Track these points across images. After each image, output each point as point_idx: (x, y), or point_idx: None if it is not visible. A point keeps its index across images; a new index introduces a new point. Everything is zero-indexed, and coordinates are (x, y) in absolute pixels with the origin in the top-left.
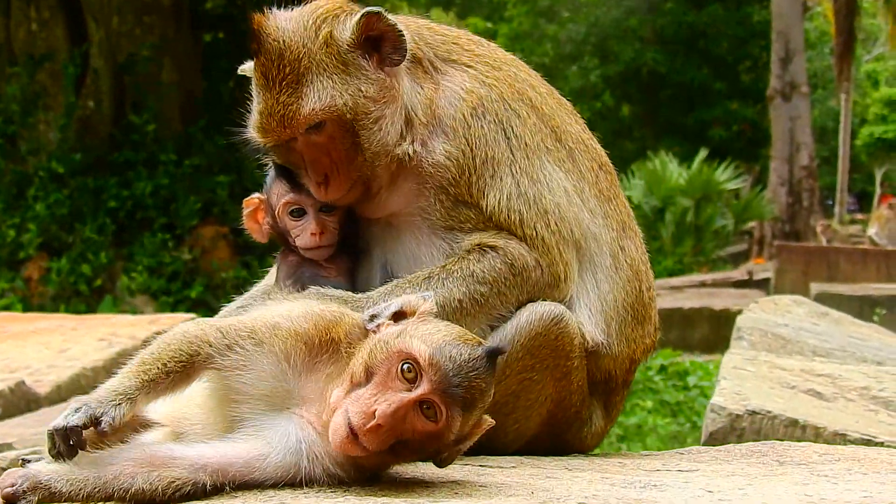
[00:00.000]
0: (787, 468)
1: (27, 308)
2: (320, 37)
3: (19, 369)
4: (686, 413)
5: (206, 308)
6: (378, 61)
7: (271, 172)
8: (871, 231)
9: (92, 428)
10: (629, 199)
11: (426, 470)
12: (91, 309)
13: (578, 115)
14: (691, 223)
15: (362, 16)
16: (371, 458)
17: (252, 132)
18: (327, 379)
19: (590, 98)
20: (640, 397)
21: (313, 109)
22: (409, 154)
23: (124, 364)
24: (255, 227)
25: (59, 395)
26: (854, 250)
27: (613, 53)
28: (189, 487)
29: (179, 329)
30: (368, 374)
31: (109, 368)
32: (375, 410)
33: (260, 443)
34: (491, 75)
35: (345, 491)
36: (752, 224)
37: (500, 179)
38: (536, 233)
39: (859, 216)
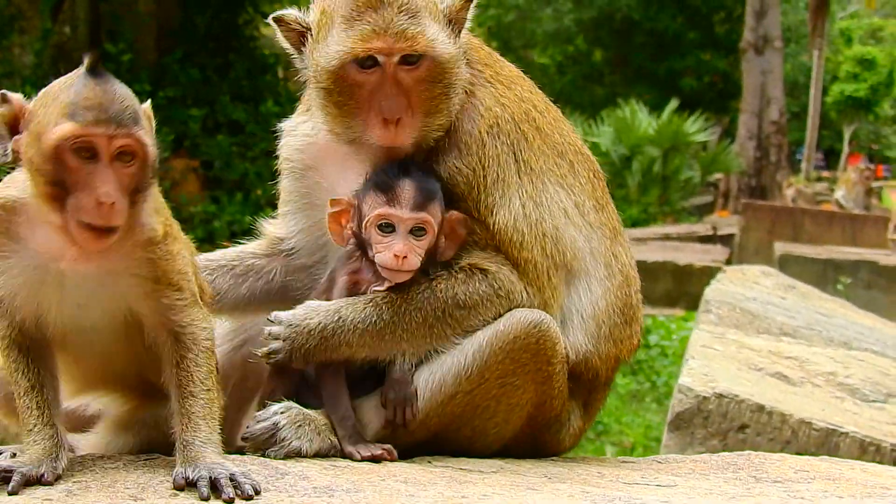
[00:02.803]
0: (764, 486)
1: None
2: None
3: None
4: (646, 372)
5: None
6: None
7: (368, 180)
8: (839, 194)
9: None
10: (597, 145)
11: (409, 476)
12: None
13: (570, 122)
14: (658, 173)
15: None
16: None
17: (340, 45)
18: None
19: (562, 41)
20: None
21: (432, 39)
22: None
23: None
24: (338, 229)
25: None
26: (819, 212)
27: None
28: None
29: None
30: None
31: None
32: None
33: None
34: (505, 95)
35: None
36: (718, 176)
37: (509, 201)
38: (532, 256)
39: (825, 173)
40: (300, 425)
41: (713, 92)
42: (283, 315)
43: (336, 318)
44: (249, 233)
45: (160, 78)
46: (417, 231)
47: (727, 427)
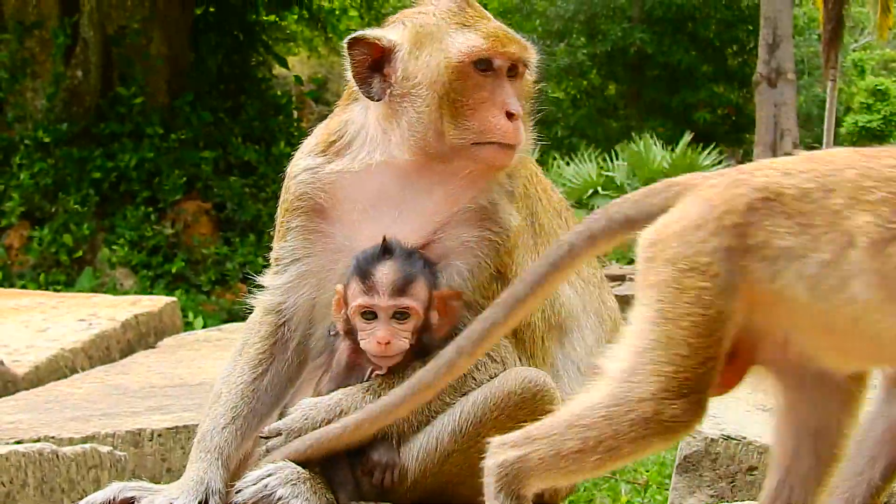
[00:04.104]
0: None
1: (6, 276)
2: None
3: None
4: None
5: (186, 283)
6: None
7: (351, 267)
8: None
9: None
10: (612, 180)
11: None
12: (71, 280)
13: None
14: None
15: None
16: None
17: (466, 44)
18: None
19: (576, 76)
20: None
21: (533, 52)
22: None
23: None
24: (337, 314)
25: (38, 376)
26: None
27: (601, 32)
28: None
29: None
30: None
31: (88, 350)
32: None
33: None
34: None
35: None
36: None
37: (525, 263)
38: (532, 321)
39: None
40: (295, 484)
41: (727, 124)
42: (279, 424)
43: (339, 410)
44: (262, 274)
45: (172, 120)
46: (400, 315)
47: (735, 469)
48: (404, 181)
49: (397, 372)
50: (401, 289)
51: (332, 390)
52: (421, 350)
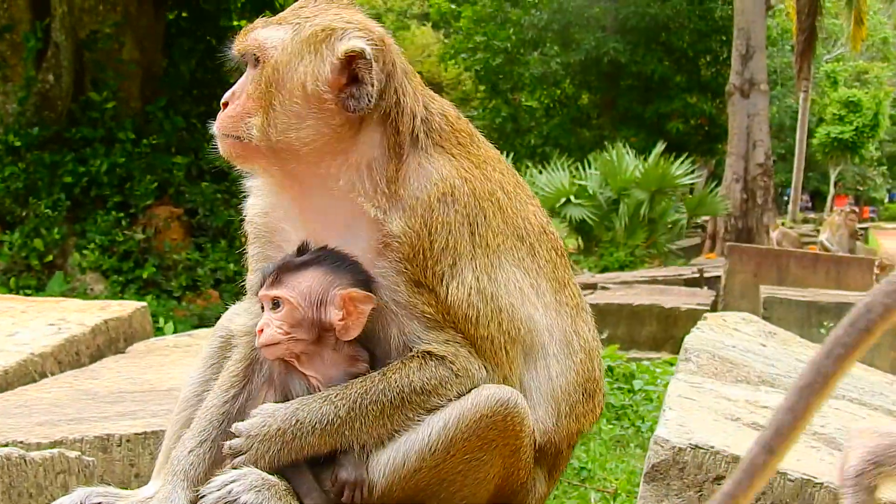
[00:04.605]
0: None
1: None
2: None
3: None
4: (630, 417)
5: (157, 288)
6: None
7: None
8: (823, 237)
9: None
10: (584, 189)
11: None
12: (41, 284)
13: (538, 203)
14: (645, 216)
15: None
16: None
17: None
18: None
19: (550, 85)
20: None
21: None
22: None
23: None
24: None
25: (6, 380)
26: (804, 255)
27: (575, 41)
28: None
29: None
30: None
31: (58, 355)
32: None
33: None
34: (470, 172)
35: None
36: (705, 218)
37: (461, 272)
38: (489, 332)
39: (811, 215)
40: (259, 490)
41: (700, 135)
42: (241, 426)
43: (293, 421)
44: (233, 280)
45: (144, 125)
46: (273, 306)
47: (703, 478)
48: (291, 193)
49: (352, 384)
50: (277, 279)
51: (278, 400)
52: (341, 354)
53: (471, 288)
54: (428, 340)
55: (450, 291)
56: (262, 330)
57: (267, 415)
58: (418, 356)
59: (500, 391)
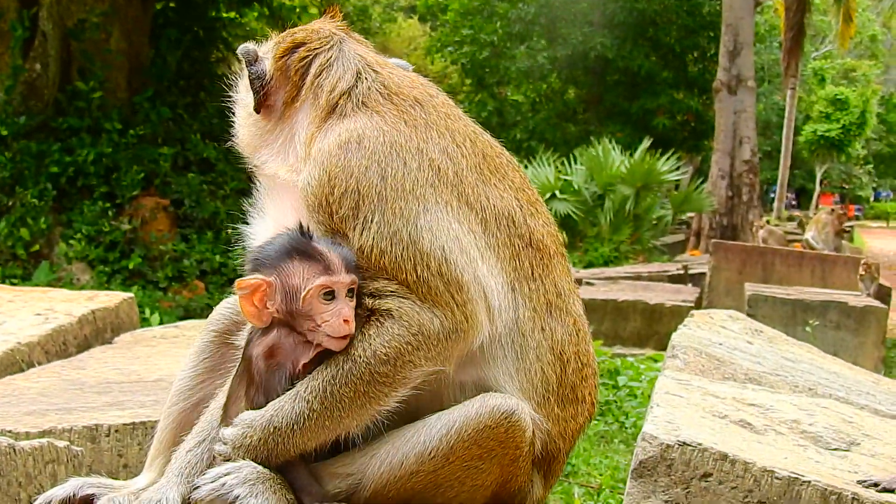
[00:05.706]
0: None
1: None
2: None
3: None
4: (614, 413)
5: (143, 279)
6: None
7: (282, 251)
8: (809, 235)
9: None
10: (570, 184)
11: None
12: (27, 274)
13: (527, 200)
14: (630, 211)
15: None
16: None
17: None
18: None
19: (536, 79)
20: None
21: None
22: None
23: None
24: (254, 311)
25: None
26: (790, 252)
27: (562, 36)
28: None
29: None
30: None
31: (45, 345)
32: None
33: None
34: (394, 126)
35: None
36: (690, 214)
37: (366, 215)
38: (418, 277)
39: (797, 213)
40: (253, 483)
41: (686, 131)
42: (226, 433)
43: (271, 430)
44: (219, 271)
45: (131, 116)
46: (350, 292)
47: (690, 475)
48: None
49: (316, 375)
50: (349, 264)
51: (262, 402)
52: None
53: (379, 229)
54: (369, 293)
55: (357, 234)
56: (348, 320)
57: (246, 425)
58: (371, 321)
59: (505, 401)
